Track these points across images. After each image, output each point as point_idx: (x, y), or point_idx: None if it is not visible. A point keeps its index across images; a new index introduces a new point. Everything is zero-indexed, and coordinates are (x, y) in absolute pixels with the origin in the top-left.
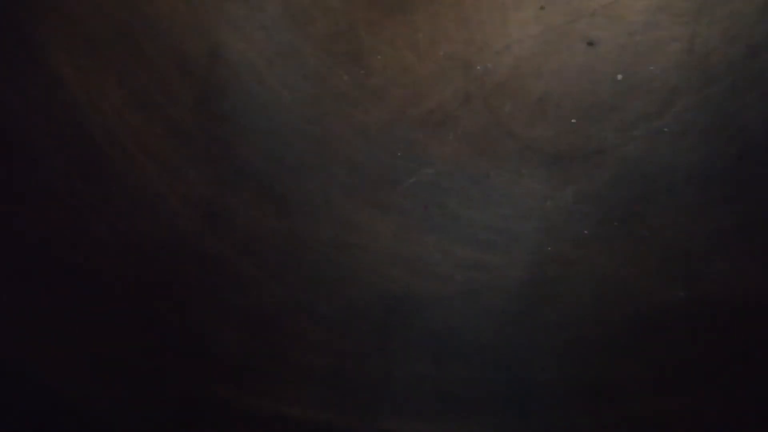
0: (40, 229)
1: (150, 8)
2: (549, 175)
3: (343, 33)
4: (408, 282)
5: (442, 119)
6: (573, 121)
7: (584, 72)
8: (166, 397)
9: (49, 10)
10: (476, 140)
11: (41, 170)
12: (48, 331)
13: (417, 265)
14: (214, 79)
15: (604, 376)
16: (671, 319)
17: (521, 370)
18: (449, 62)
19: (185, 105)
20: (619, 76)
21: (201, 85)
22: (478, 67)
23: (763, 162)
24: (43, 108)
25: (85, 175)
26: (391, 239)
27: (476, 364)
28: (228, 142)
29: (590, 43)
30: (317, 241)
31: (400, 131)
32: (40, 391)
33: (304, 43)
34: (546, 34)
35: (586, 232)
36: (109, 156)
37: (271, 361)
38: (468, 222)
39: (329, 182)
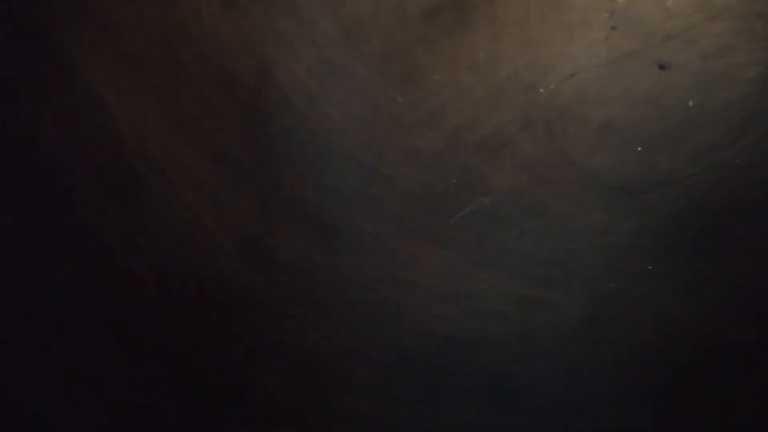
0: (72, 267)
1: (195, 26)
2: (611, 206)
3: (398, 52)
4: (460, 321)
5: (500, 145)
6: (638, 149)
7: (653, 98)
8: None
9: (90, 28)
10: (535, 168)
11: (75, 200)
12: (78, 380)
13: (470, 303)
14: (262, 101)
15: (666, 425)
16: (739, 363)
17: (578, 418)
18: (510, 84)
19: (231, 129)
20: (690, 103)
21: (247, 108)
22: (541, 90)
23: None
24: (80, 132)
25: (123, 205)
26: (443, 275)
27: (531, 411)
28: (275, 169)
29: (662, 67)
30: (365, 277)
31: (456, 157)
32: None
33: (358, 62)
34: (615, 57)
35: (649, 267)
36: (149, 184)
37: (318, 406)
38: (524, 256)
39: (379, 212)
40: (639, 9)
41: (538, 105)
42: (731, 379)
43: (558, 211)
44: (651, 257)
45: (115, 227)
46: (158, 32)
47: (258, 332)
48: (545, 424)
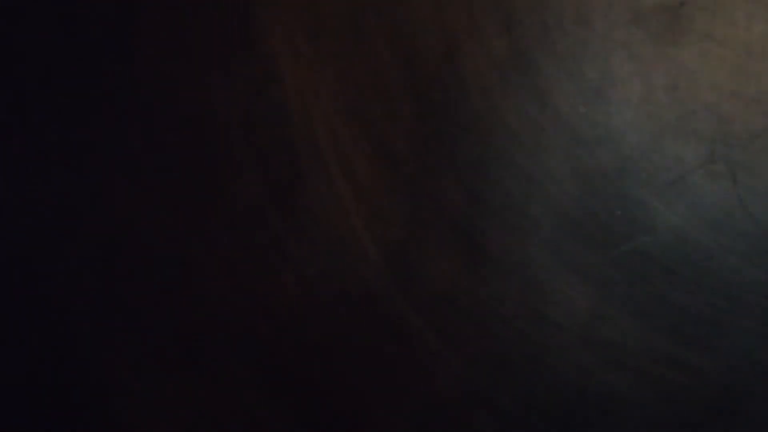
0: (212, 268)
1: None
2: None
3: (590, 57)
4: (599, 374)
5: (676, 179)
6: None
7: None
8: None
9: None
10: (709, 212)
11: (230, 191)
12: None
13: (611, 353)
14: (440, 90)
15: None
16: None
17: None
18: (702, 110)
19: (401, 119)
20: None
21: (423, 95)
22: (736, 124)
23: None
24: (250, 107)
25: (278, 203)
26: (587, 316)
27: None
28: (435, 174)
29: None
30: (507, 309)
31: (626, 185)
32: None
33: (549, 60)
34: None
35: None
36: (309, 178)
37: None
38: (674, 308)
39: (531, 234)
40: None
41: (727, 140)
42: None
43: (722, 262)
44: None
45: (266, 228)
46: (345, 0)
47: (387, 356)
48: None
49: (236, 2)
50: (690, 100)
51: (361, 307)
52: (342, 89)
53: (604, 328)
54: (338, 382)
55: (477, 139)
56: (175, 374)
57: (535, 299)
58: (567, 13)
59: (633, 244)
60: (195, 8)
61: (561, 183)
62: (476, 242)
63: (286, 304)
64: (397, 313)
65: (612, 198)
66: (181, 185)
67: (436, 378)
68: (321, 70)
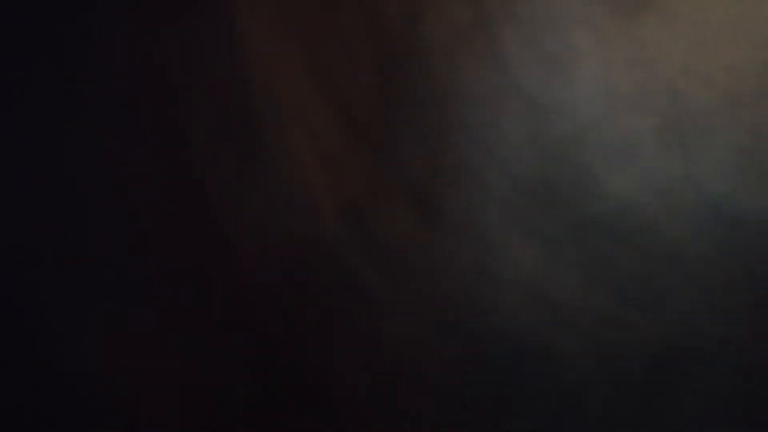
0: (167, 215)
1: None
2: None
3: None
4: (542, 330)
5: (628, 149)
6: None
7: None
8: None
9: None
10: (658, 182)
11: (185, 139)
12: (153, 347)
13: (555, 311)
14: (405, 55)
15: None
16: None
17: None
18: (657, 84)
19: (366, 83)
20: None
21: (388, 59)
22: (689, 98)
23: None
24: (206, 55)
25: (239, 158)
26: (536, 276)
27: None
28: (394, 135)
29: None
30: (458, 266)
31: (580, 153)
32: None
33: (509, 28)
34: None
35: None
36: (269, 137)
37: (387, 404)
38: (619, 271)
39: (485, 196)
40: None
41: (682, 116)
42: None
43: (669, 230)
44: (753, 303)
45: (223, 179)
46: None
47: (340, 305)
48: None
49: None
50: (646, 74)
51: (317, 259)
52: (306, 52)
53: (550, 288)
54: (292, 330)
55: (437, 104)
56: (135, 320)
57: (486, 258)
58: None
59: (583, 209)
60: None
61: (517, 149)
62: (432, 203)
63: (242, 254)
64: (351, 265)
65: (565, 165)
66: (141, 138)
67: (386, 326)
68: (285, 33)
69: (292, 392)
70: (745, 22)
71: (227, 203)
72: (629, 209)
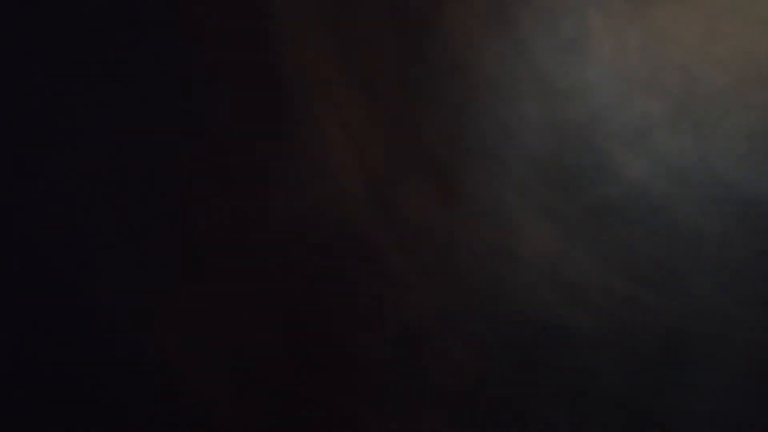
0: (192, 190)
1: None
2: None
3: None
4: (560, 310)
5: (643, 133)
6: None
7: None
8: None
9: None
10: (672, 165)
11: (213, 116)
12: (187, 316)
13: (572, 291)
14: (427, 37)
15: None
16: None
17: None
18: (671, 68)
19: (390, 64)
20: None
21: (411, 42)
22: (703, 82)
23: None
24: (238, 30)
25: (263, 129)
26: (553, 257)
27: (613, 412)
28: (417, 114)
29: None
30: (478, 245)
31: (595, 136)
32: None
33: (527, 11)
34: None
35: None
36: (297, 113)
37: (411, 378)
38: (634, 252)
39: (504, 177)
40: None
41: (696, 100)
42: None
43: (683, 212)
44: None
45: (249, 152)
46: None
47: (366, 282)
48: (628, 426)
49: None
50: (660, 58)
51: (343, 236)
52: (332, 32)
53: (567, 268)
54: (318, 306)
55: (458, 85)
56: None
57: (505, 238)
58: None
59: (599, 191)
60: None
61: (534, 131)
62: (452, 183)
63: (272, 228)
64: (377, 243)
65: (581, 148)
66: (168, 116)
67: (410, 303)
68: (314, 14)
69: (319, 366)
70: (759, 5)
71: (257, 182)
72: (644, 191)
